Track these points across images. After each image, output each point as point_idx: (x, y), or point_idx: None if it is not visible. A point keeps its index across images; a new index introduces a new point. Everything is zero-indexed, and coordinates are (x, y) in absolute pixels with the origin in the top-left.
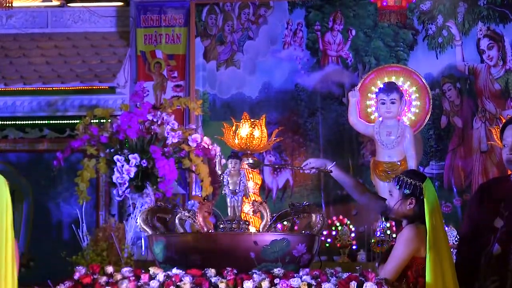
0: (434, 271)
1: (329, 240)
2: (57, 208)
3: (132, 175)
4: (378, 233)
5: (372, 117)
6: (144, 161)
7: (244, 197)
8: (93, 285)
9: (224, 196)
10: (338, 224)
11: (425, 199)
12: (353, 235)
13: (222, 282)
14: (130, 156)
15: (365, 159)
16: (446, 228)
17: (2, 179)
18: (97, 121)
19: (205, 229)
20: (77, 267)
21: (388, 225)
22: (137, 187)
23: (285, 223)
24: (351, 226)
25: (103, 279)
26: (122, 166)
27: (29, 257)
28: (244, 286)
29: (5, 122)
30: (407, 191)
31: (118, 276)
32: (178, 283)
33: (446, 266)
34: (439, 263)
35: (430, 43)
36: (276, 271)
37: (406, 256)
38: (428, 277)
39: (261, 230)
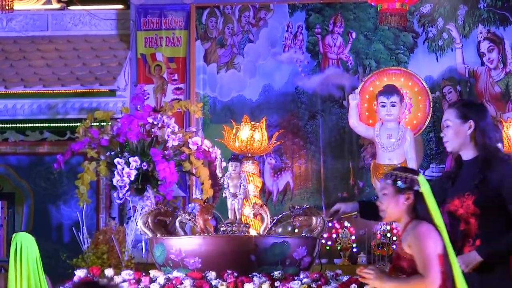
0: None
1: (329, 242)
2: (58, 211)
3: (132, 178)
4: (379, 235)
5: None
6: (144, 164)
7: (244, 200)
8: None
9: (225, 199)
10: (338, 226)
11: (424, 193)
12: (353, 237)
13: (222, 285)
14: (131, 159)
15: (365, 161)
16: None
17: (31, 237)
18: (97, 124)
19: (206, 232)
20: (77, 270)
21: (388, 228)
22: (137, 190)
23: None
24: (351, 229)
25: (104, 281)
26: (123, 169)
27: None
28: None
29: (5, 125)
30: (403, 185)
31: (119, 279)
32: (179, 286)
33: (456, 265)
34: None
35: (431, 46)
36: (277, 274)
37: (434, 251)
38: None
39: (261, 233)
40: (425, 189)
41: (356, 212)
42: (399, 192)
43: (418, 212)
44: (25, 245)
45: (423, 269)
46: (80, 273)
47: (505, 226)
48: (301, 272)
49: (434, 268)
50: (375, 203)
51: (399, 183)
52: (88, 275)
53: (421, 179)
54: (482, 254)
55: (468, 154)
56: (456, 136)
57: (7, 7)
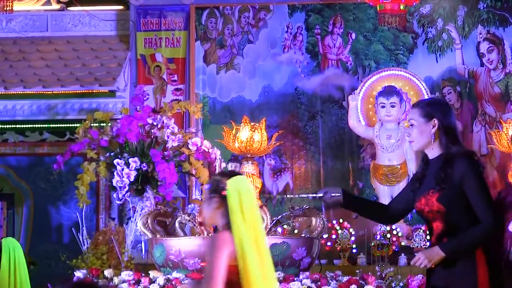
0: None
1: (329, 243)
2: (57, 212)
3: (132, 178)
4: (378, 236)
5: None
6: (144, 164)
7: None
8: None
9: None
10: (338, 227)
11: (227, 197)
12: (353, 238)
13: None
14: (130, 160)
15: (365, 162)
16: None
17: (18, 244)
18: (97, 124)
19: (205, 233)
20: (77, 271)
21: (388, 228)
22: (137, 190)
23: (285, 226)
24: (351, 230)
25: (103, 282)
26: (122, 169)
27: (29, 261)
28: None
29: (5, 126)
30: (209, 189)
31: (118, 280)
32: (178, 287)
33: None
34: (252, 272)
35: (430, 47)
36: (276, 274)
37: (223, 262)
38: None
39: None
40: (233, 193)
41: (339, 195)
42: (209, 197)
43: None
44: (17, 251)
45: (206, 281)
46: (79, 274)
47: (470, 222)
48: (300, 272)
49: (215, 281)
50: (357, 196)
51: (209, 189)
52: (88, 276)
53: (233, 182)
54: (445, 249)
55: (433, 152)
56: (421, 135)
57: (6, 8)
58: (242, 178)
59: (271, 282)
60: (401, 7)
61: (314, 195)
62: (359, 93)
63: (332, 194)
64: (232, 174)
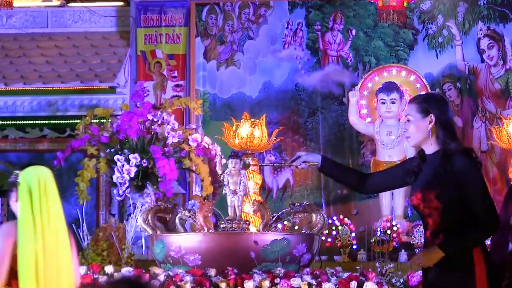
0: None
1: (329, 239)
2: None
3: (132, 175)
4: (378, 232)
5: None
6: (144, 161)
7: (244, 197)
8: (94, 285)
9: (225, 196)
10: (338, 223)
11: (20, 190)
12: (353, 234)
13: (222, 281)
14: (131, 156)
15: (365, 158)
16: None
17: None
18: (97, 121)
19: (206, 229)
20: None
21: (388, 225)
22: (137, 187)
23: (285, 222)
24: (351, 226)
25: (104, 278)
26: (123, 166)
27: None
28: (244, 285)
29: (5, 122)
30: (9, 184)
31: (118, 276)
32: (179, 283)
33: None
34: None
35: (430, 43)
36: (277, 270)
37: (7, 251)
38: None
39: (261, 229)
40: (22, 185)
41: (317, 163)
42: (11, 190)
43: None
44: None
45: None
46: (80, 271)
47: (468, 220)
48: (301, 269)
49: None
50: (338, 162)
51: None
52: (88, 272)
53: (23, 174)
54: (444, 249)
55: (430, 148)
56: (417, 130)
57: (6, 4)
58: (35, 169)
59: (51, 275)
60: (404, 4)
61: (291, 165)
62: (359, 89)
63: (309, 164)
64: (29, 165)
